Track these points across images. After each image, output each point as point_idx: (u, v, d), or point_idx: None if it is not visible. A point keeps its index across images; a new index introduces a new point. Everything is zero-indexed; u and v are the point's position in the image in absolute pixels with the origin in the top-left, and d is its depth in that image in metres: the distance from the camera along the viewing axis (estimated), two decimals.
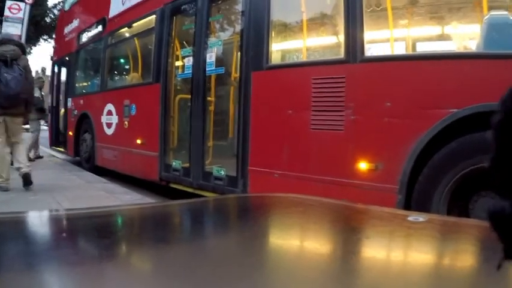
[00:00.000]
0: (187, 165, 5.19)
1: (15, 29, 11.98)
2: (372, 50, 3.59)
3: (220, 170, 4.69)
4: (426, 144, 2.93)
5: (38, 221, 1.11)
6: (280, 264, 0.73)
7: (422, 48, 3.78)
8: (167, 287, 0.58)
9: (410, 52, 3.57)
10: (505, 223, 0.41)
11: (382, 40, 3.68)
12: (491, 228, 0.42)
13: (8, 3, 12.11)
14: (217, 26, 5.34)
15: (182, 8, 5.54)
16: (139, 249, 0.82)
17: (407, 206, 3.01)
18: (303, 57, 4.21)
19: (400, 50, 3.67)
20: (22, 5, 11.97)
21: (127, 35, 7.40)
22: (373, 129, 3.29)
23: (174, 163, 5.45)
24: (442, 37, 3.62)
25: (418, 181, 3.01)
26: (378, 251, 0.82)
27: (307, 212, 1.16)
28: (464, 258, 0.79)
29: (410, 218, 0.99)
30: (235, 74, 4.77)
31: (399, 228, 0.98)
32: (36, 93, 9.49)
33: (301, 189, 3.70)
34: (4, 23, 12.22)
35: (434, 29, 3.71)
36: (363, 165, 3.30)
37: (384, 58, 3.48)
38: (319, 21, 4.15)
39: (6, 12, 12.05)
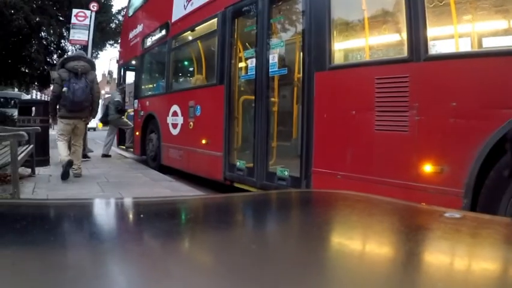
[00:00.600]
0: (251, 165, 5.25)
1: (82, 36, 12.46)
2: (436, 47, 3.45)
3: (283, 170, 4.72)
4: (493, 146, 2.78)
5: (104, 207, 1.19)
6: (335, 260, 0.74)
7: (489, 44, 3.62)
8: (225, 278, 0.59)
9: (476, 49, 3.42)
10: None
11: (447, 37, 3.45)
12: None
13: (74, 11, 12.58)
14: (279, 27, 5.36)
15: (243, 10, 5.61)
16: (201, 237, 0.85)
17: (474, 211, 2.85)
18: (366, 57, 4.14)
19: (465, 46, 3.47)
20: (88, 12, 12.41)
21: (190, 38, 7.56)
22: (439, 130, 3.17)
23: (238, 163, 5.54)
24: (509, 31, 3.47)
25: (484, 185, 2.86)
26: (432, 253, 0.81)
27: (364, 209, 1.17)
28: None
29: (447, 215, 0.99)
30: (298, 75, 4.77)
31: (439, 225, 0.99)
32: (117, 97, 10.18)
33: (364, 191, 3.62)
34: (71, 30, 12.73)
35: (501, 23, 3.56)
36: (428, 168, 3.18)
37: (449, 56, 3.32)
38: (381, 19, 4.05)
39: (73, 20, 12.53)
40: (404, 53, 3.50)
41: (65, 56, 7.03)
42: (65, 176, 6.26)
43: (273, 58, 4.98)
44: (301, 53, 4.62)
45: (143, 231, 0.88)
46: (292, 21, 5.30)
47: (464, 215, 1.02)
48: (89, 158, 9.55)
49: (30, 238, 0.73)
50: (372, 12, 4.09)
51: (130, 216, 1.10)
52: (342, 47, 4.39)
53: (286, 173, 4.67)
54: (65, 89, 6.16)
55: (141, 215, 1.08)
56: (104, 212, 1.11)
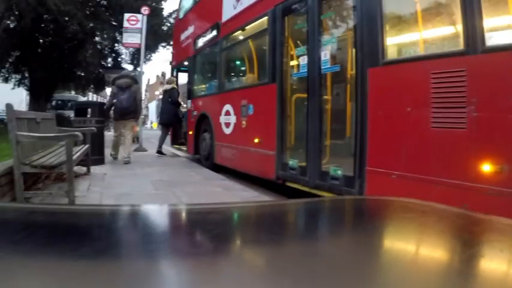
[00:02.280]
0: (303, 164, 5.20)
1: (134, 39, 12.81)
2: (493, 38, 3.19)
3: (337, 169, 4.63)
4: None
5: (157, 213, 1.18)
6: (388, 272, 0.70)
7: None
8: (278, 284, 0.59)
9: None
10: None
11: (504, 27, 3.23)
12: None
13: (126, 16, 12.96)
14: (330, 23, 5.28)
15: (293, 7, 5.58)
16: (254, 245, 0.84)
17: None
18: (420, 51, 3.98)
19: None
20: (139, 16, 12.73)
21: (241, 37, 7.59)
22: (498, 127, 2.99)
23: (290, 162, 5.50)
24: None
25: None
26: (493, 269, 0.73)
27: (421, 219, 1.07)
28: None
29: None
30: (350, 71, 4.68)
31: None
32: None
33: (419, 191, 3.54)
34: (124, 34, 13.11)
35: None
36: (486, 167, 3.01)
37: (508, 47, 3.06)
38: (435, 11, 3.90)
39: (125, 24, 12.89)
40: (461, 45, 3.35)
41: (115, 76, 9.51)
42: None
43: (325, 55, 4.91)
44: (354, 49, 4.51)
45: (192, 241, 0.88)
46: (343, 16, 5.20)
47: None
48: (164, 154, 10.79)
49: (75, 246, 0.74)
50: (425, 3, 3.96)
51: (180, 224, 1.10)
52: (395, 42, 4.26)
53: (339, 172, 4.59)
54: (115, 100, 8.66)
55: (192, 223, 1.09)
56: (154, 219, 1.11)
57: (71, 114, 13.29)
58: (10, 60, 19.85)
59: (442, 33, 3.86)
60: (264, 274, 0.65)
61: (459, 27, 3.38)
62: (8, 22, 16.30)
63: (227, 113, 7.55)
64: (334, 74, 4.96)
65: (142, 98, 11.34)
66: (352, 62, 4.63)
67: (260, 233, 0.97)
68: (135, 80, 9.00)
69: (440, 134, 3.44)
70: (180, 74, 11.65)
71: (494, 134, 3.04)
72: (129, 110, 8.58)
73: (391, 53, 4.20)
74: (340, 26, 5.31)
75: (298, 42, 5.68)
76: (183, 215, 1.17)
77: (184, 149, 10.63)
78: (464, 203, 3.05)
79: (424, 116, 3.56)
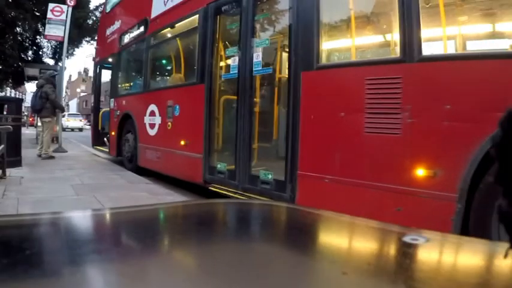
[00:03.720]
0: (232, 167, 5.07)
1: (58, 31, 12.25)
2: (430, 48, 3.34)
3: (267, 173, 4.53)
4: (489, 150, 2.66)
5: (80, 220, 1.12)
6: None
7: (485, 46, 3.52)
8: (205, 283, 0.60)
9: (471, 50, 3.32)
10: (505, 217, 0.50)
11: (441, 38, 3.39)
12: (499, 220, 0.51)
13: (50, 6, 12.40)
14: (264, 24, 5.20)
15: (226, 7, 5.43)
16: (178, 245, 0.85)
17: (467, 215, 2.80)
18: (355, 57, 4.01)
19: (460, 48, 3.42)
20: (64, 7, 12.20)
21: (170, 35, 7.37)
22: (432, 133, 3.07)
23: (218, 165, 5.35)
24: (506, 34, 3.37)
25: (478, 189, 2.77)
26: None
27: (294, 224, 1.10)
28: None
29: (406, 239, 0.82)
30: (283, 75, 4.62)
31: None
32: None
33: (353, 196, 3.57)
34: (47, 25, 12.52)
35: (497, 26, 3.48)
36: (420, 172, 3.08)
37: (443, 57, 3.22)
38: (373, 18, 3.94)
39: (49, 15, 12.33)
40: (397, 53, 3.40)
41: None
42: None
43: (257, 57, 4.80)
44: (287, 52, 4.46)
45: (119, 244, 0.87)
46: (278, 18, 5.13)
47: (429, 238, 0.83)
48: None
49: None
50: (363, 11, 3.97)
51: (105, 229, 1.06)
52: (330, 46, 4.25)
53: (270, 176, 4.49)
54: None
55: (113, 227, 1.06)
56: (77, 228, 1.04)
57: None
58: None
59: (379, 40, 3.89)
60: (189, 274, 0.66)
61: (397, 36, 3.44)
62: None
63: (152, 114, 7.27)
64: (266, 76, 4.88)
65: (63, 95, 11.13)
66: (285, 65, 4.55)
67: (182, 234, 0.97)
68: (46, 80, 9.45)
69: (374, 139, 3.46)
70: (103, 71, 11.17)
71: (428, 140, 3.11)
72: (35, 108, 9.42)
73: (326, 58, 4.19)
74: (274, 28, 5.24)
75: (230, 42, 5.56)
76: (108, 219, 1.14)
77: (106, 150, 10.18)
78: (399, 206, 3.14)
79: (358, 121, 3.57)
